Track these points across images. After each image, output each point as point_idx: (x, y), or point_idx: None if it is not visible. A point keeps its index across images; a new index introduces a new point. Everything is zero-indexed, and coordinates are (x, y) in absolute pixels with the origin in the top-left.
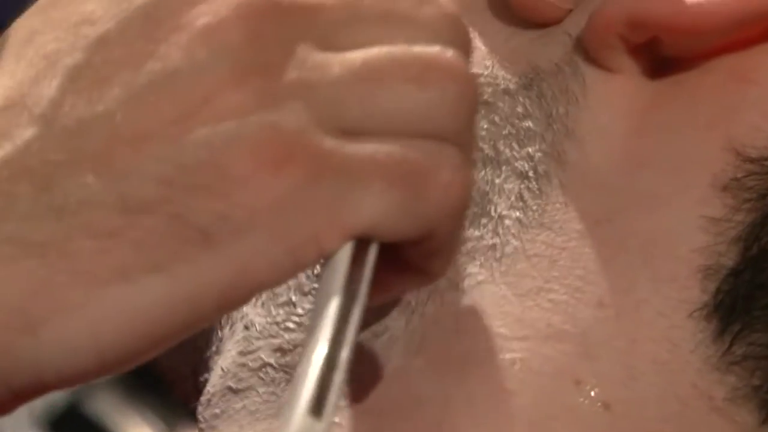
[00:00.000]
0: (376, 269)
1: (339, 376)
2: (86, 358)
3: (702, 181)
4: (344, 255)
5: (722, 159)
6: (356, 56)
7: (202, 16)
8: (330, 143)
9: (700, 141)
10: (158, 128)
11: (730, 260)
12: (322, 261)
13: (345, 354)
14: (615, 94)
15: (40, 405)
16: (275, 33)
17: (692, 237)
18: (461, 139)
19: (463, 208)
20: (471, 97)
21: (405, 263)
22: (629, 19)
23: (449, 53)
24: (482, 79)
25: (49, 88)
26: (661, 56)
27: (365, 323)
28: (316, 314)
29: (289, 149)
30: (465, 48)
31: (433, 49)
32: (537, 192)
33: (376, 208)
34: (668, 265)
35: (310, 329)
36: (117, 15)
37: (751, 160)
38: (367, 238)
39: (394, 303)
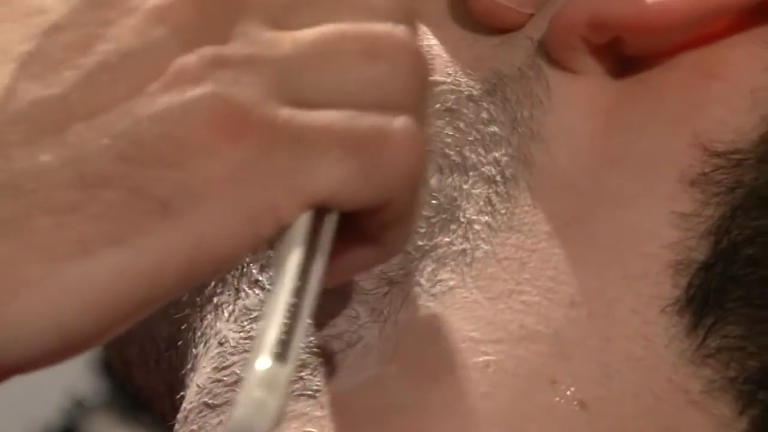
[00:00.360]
0: (335, 244)
1: (302, 323)
2: (48, 337)
3: (670, 178)
4: (302, 222)
5: (689, 155)
6: (307, 33)
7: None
8: (285, 113)
9: (667, 138)
10: (113, 105)
11: (700, 254)
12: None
13: (308, 302)
14: (579, 96)
15: (35, 428)
16: (225, 13)
17: (662, 233)
18: (415, 110)
19: (420, 175)
20: (422, 70)
21: (363, 237)
22: (590, 20)
23: (399, 29)
24: (445, 87)
25: (3, 75)
26: (625, 56)
27: (323, 324)
28: (276, 274)
29: (243, 119)
30: (413, 27)
31: (383, 26)
32: (505, 196)
33: (332, 176)
34: (639, 262)
35: (272, 286)
36: (68, 2)
37: (718, 155)
38: (325, 208)
39: (349, 295)
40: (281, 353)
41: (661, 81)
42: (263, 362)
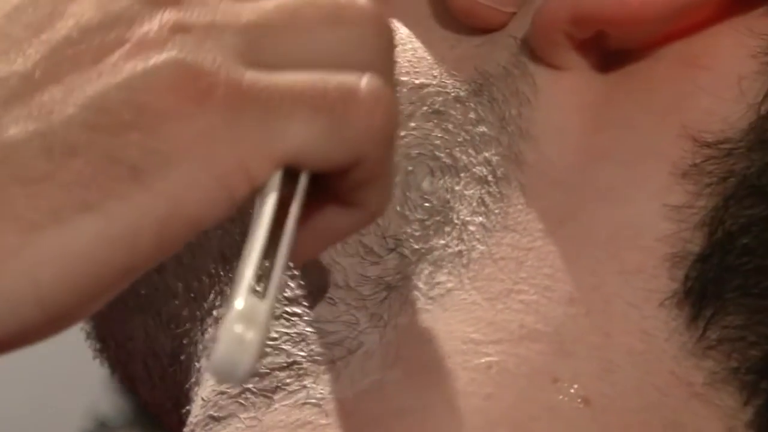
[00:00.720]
0: (312, 209)
1: (280, 260)
2: (29, 309)
3: (661, 170)
4: (275, 180)
5: (679, 146)
6: (268, 3)
7: None
8: (250, 75)
9: (656, 130)
10: (77, 76)
11: (696, 246)
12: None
13: (285, 240)
14: (566, 92)
15: None
16: None
17: (656, 226)
18: (381, 72)
19: (390, 131)
20: (386, 33)
21: (341, 202)
22: (573, 16)
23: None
24: (431, 89)
25: None
26: (609, 50)
27: (323, 331)
28: (252, 224)
29: (208, 82)
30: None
31: None
32: (498, 195)
33: (301, 134)
34: (635, 257)
35: (249, 233)
36: None
37: (708, 145)
38: (297, 170)
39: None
40: (260, 290)
41: (647, 73)
42: (243, 298)
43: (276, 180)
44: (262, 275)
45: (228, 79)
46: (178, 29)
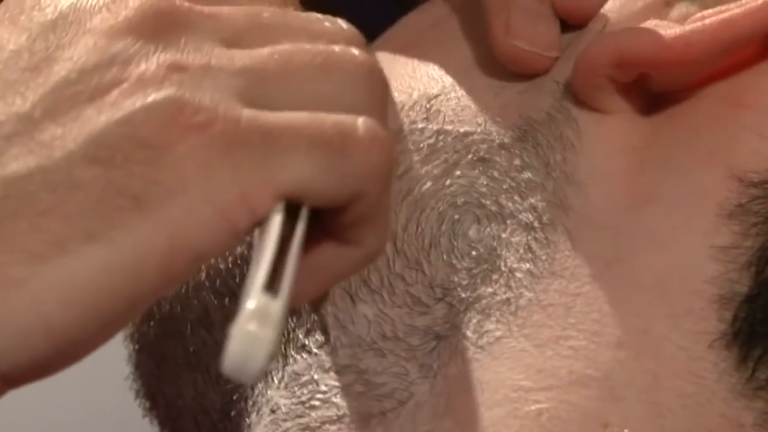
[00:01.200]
0: (310, 247)
1: (292, 260)
2: (38, 340)
3: (708, 211)
4: (277, 212)
5: (725, 187)
6: (263, 50)
7: (106, 20)
8: (248, 112)
9: (701, 171)
10: (77, 114)
11: (743, 287)
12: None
13: (296, 243)
14: (610, 135)
15: None
16: (178, 29)
17: (704, 268)
18: (374, 116)
19: (387, 169)
20: (380, 80)
21: (339, 238)
22: (615, 59)
23: (353, 49)
24: (476, 136)
25: None
26: (652, 92)
27: (373, 384)
28: (255, 257)
29: (207, 116)
30: (366, 51)
31: (337, 45)
32: (545, 241)
33: (302, 167)
34: (683, 299)
35: (257, 248)
36: (27, 30)
37: (754, 185)
38: (297, 204)
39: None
40: (273, 289)
41: (691, 115)
42: (256, 297)
43: (279, 211)
44: (275, 276)
45: (227, 115)
46: (176, 69)
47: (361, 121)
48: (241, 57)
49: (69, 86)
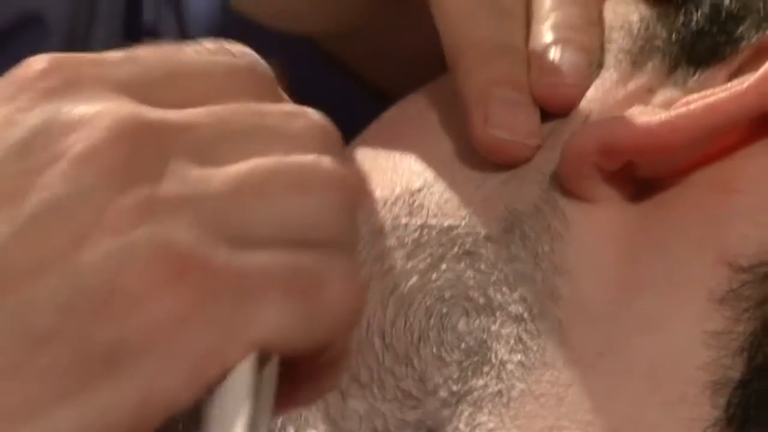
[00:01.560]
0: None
1: (266, 415)
2: None
3: (699, 297)
4: (246, 368)
5: (716, 272)
6: (234, 169)
7: (76, 143)
8: (222, 256)
9: (692, 258)
10: (51, 256)
11: (736, 372)
12: None
13: (269, 399)
14: (598, 224)
15: None
16: (150, 151)
17: (696, 354)
18: (347, 243)
19: (358, 319)
20: (352, 200)
21: (299, 377)
22: (601, 148)
23: (325, 159)
24: (461, 230)
25: None
26: (639, 179)
27: None
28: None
29: (181, 263)
30: (340, 155)
31: (309, 157)
32: (535, 332)
33: (274, 319)
34: (676, 386)
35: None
36: None
37: (744, 270)
38: (267, 353)
39: None
40: None
41: (680, 201)
42: None
43: (249, 361)
44: None
45: (200, 261)
46: (150, 205)
47: (335, 269)
48: (214, 181)
49: (42, 222)
